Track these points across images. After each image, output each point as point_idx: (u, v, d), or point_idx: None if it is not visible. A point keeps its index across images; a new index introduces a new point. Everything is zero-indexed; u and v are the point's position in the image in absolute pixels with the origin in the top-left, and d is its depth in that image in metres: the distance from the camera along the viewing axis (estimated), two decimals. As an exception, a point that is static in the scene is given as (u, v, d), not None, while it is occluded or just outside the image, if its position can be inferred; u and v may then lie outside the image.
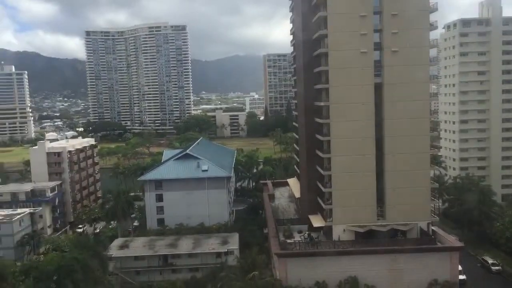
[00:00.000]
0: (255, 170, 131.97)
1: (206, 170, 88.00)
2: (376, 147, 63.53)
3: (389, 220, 63.88)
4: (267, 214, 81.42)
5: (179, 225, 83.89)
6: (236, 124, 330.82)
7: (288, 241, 65.49)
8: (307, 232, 69.85)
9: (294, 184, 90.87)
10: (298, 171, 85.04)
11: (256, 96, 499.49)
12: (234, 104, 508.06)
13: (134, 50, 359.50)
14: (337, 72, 62.82)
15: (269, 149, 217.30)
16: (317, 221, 68.69)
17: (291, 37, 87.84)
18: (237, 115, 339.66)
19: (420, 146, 63.27)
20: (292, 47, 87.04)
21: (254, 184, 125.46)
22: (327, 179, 65.96)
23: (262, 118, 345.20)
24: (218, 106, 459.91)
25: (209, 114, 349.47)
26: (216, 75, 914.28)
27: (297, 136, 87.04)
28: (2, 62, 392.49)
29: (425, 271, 59.33)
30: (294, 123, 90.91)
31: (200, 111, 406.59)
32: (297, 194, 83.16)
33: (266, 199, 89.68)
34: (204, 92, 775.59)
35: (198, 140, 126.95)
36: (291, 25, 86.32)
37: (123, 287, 68.18)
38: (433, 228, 64.87)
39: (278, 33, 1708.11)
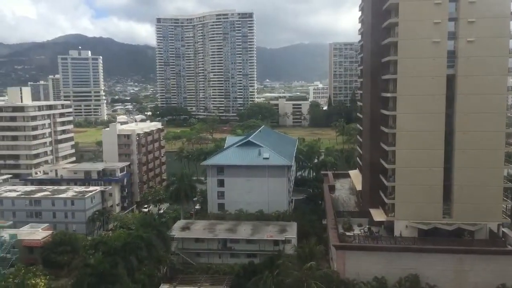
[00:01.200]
0: (316, 160, 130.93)
1: (267, 158, 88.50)
2: (445, 142, 60.76)
3: (456, 218, 61.07)
4: (326, 205, 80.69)
5: (238, 210, 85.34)
6: (298, 113, 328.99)
7: (347, 233, 64.63)
8: (367, 226, 68.52)
9: (355, 176, 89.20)
10: (361, 163, 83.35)
11: (320, 86, 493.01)
12: (298, 93, 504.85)
13: (201, 37, 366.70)
14: (407, 62, 60.49)
15: (331, 140, 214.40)
16: (378, 215, 67.14)
17: (359, 25, 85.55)
18: (300, 104, 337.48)
19: (494, 143, 59.67)
20: (360, 36, 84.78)
21: (314, 174, 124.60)
22: (391, 173, 64.11)
23: (325, 107, 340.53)
24: (281, 95, 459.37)
25: (272, 102, 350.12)
26: (280, 63, 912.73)
27: (360, 128, 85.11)
28: (80, 47, 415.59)
29: (493, 274, 56.29)
30: (358, 114, 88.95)
31: (263, 99, 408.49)
32: (359, 187, 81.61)
33: (326, 190, 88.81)
34: (268, 80, 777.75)
35: (260, 128, 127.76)
36: (359, 13, 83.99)
37: (184, 267, 70.65)
38: (503, 230, 61.25)
39: (346, 21, 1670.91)
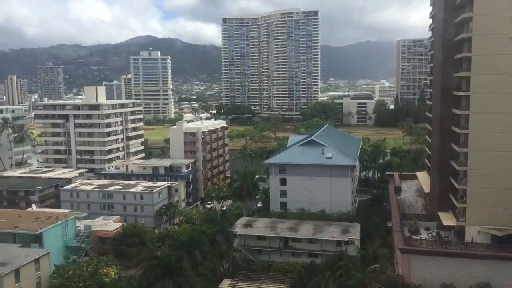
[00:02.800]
0: (381, 161, 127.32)
1: (331, 158, 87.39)
2: (523, 144, 56.74)
3: (535, 226, 56.88)
4: (391, 207, 78.28)
5: (300, 210, 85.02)
6: (363, 112, 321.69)
7: (414, 237, 62.32)
8: (435, 230, 65.64)
9: (423, 178, 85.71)
10: (429, 164, 79.96)
11: (387, 84, 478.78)
12: (363, 92, 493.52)
13: (266, 36, 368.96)
14: (481, 59, 57.14)
15: (398, 140, 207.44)
16: (447, 219, 64.09)
17: (429, 21, 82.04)
18: (365, 103, 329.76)
19: None
20: (430, 32, 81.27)
21: (379, 175, 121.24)
22: (462, 175, 60.91)
23: (391, 106, 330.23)
24: (346, 93, 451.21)
25: (336, 101, 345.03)
26: (345, 61, 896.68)
27: (429, 127, 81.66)
28: (150, 48, 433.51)
29: None
30: (427, 113, 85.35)
31: (327, 97, 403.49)
32: (426, 189, 78.35)
33: (391, 191, 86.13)
34: (332, 79, 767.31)
35: (324, 127, 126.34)
36: (430, 8, 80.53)
37: (246, 263, 71.57)
38: None
39: (415, 18, 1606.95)
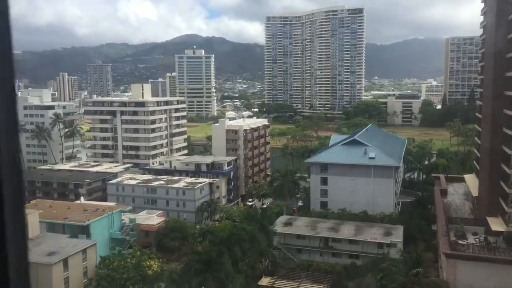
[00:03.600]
0: (426, 162, 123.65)
1: (373, 158, 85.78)
2: None
3: None
4: (437, 210, 75.89)
5: (341, 210, 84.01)
6: (408, 112, 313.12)
7: (460, 242, 60.15)
8: (483, 235, 63.10)
9: (471, 181, 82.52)
10: (478, 167, 76.91)
11: (434, 83, 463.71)
12: (408, 91, 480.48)
13: (309, 34, 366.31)
14: (537, 57, 54.34)
15: (445, 141, 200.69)
16: (496, 225, 61.46)
17: (481, 18, 78.81)
18: (410, 103, 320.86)
19: None
20: (482, 29, 78.05)
21: (424, 176, 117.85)
22: (514, 179, 58.20)
23: (439, 106, 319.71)
24: (391, 92, 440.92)
25: (380, 100, 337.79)
26: (390, 60, 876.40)
27: (479, 128, 78.51)
28: (194, 47, 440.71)
29: None
30: (477, 114, 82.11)
31: (371, 96, 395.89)
32: (475, 193, 75.39)
33: (437, 194, 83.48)
34: (376, 77, 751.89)
35: (367, 127, 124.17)
36: (482, 5, 77.33)
37: (285, 262, 71.54)
38: None
39: (465, 15, 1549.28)
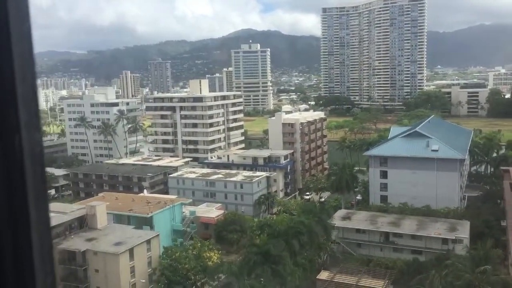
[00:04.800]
0: (494, 155, 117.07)
1: (436, 150, 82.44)
2: None
3: None
4: (506, 205, 71.72)
5: (403, 204, 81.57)
6: (475, 102, 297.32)
7: (533, 239, 56.60)
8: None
9: (545, 174, 77.29)
10: (553, 159, 71.85)
11: (503, 71, 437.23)
12: (474, 80, 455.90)
13: (367, 24, 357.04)
14: None
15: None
16: None
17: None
18: (476, 92, 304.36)
19: None
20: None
21: (492, 170, 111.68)
22: None
23: (508, 95, 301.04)
24: (455, 82, 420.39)
25: (443, 90, 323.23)
26: (454, 48, 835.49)
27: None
28: (250, 41, 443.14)
29: None
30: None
31: (434, 86, 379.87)
32: (549, 187, 70.60)
33: (507, 188, 78.83)
34: (439, 66, 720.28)
35: (429, 118, 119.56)
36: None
37: (344, 256, 70.69)
38: None
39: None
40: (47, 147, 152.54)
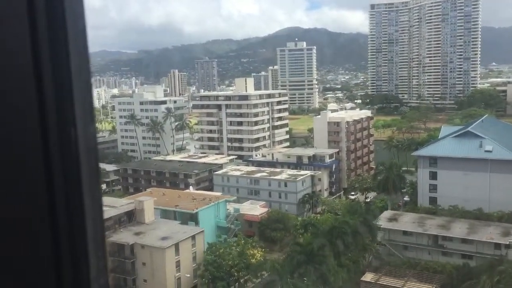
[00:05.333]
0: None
1: (490, 151, 78.92)
2: None
3: None
4: None
5: (453, 206, 78.66)
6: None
7: None
8: None
9: None
10: None
11: None
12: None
13: (417, 20, 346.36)
14: None
15: None
16: None
17: None
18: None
19: None
20: None
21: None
22: None
23: None
24: (511, 79, 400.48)
25: (498, 88, 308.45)
26: (510, 44, 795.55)
27: None
28: (296, 39, 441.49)
29: None
30: None
31: (488, 84, 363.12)
32: None
33: None
34: (494, 64, 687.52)
35: (483, 117, 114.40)
36: None
37: (390, 258, 69.10)
38: None
39: None
40: (99, 143, 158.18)
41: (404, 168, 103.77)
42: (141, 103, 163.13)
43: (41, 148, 1.10)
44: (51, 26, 1.16)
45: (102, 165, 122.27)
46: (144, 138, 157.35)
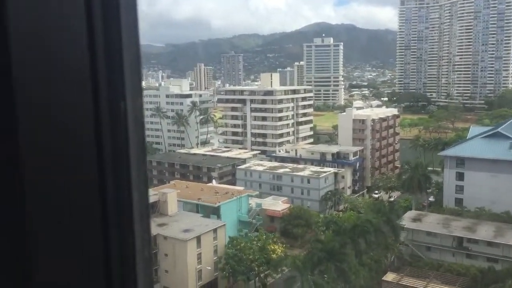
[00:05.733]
0: None
1: (520, 153, 76.76)
2: None
3: None
4: None
5: (479, 208, 76.96)
6: None
7: None
8: None
9: None
10: None
11: None
12: None
13: (448, 17, 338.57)
14: None
15: None
16: None
17: None
18: None
19: None
20: None
21: None
22: None
23: None
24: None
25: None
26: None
27: None
28: (323, 35, 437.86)
29: None
30: None
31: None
32: None
33: None
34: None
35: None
36: None
37: (412, 259, 68.20)
38: None
39: None
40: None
41: (430, 168, 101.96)
42: (167, 96, 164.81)
43: (93, 120, 1.15)
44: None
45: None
46: (169, 131, 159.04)
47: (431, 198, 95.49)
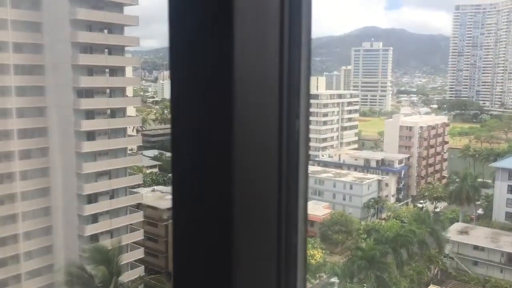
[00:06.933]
0: None
1: None
2: None
3: None
4: None
5: (532, 224, 73.30)
6: None
7: None
8: None
9: None
10: None
11: None
12: None
13: (506, 23, 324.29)
14: None
15: None
16: None
17: None
18: None
19: None
20: None
21: None
22: None
23: None
24: None
25: None
26: None
27: None
28: (372, 39, 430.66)
29: None
30: None
31: None
32: None
33: None
34: None
35: None
36: None
37: (457, 273, 65.82)
38: None
39: None
40: (163, 135, 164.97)
41: (480, 180, 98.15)
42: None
43: (277, 136, 1.24)
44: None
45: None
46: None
47: (480, 211, 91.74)
